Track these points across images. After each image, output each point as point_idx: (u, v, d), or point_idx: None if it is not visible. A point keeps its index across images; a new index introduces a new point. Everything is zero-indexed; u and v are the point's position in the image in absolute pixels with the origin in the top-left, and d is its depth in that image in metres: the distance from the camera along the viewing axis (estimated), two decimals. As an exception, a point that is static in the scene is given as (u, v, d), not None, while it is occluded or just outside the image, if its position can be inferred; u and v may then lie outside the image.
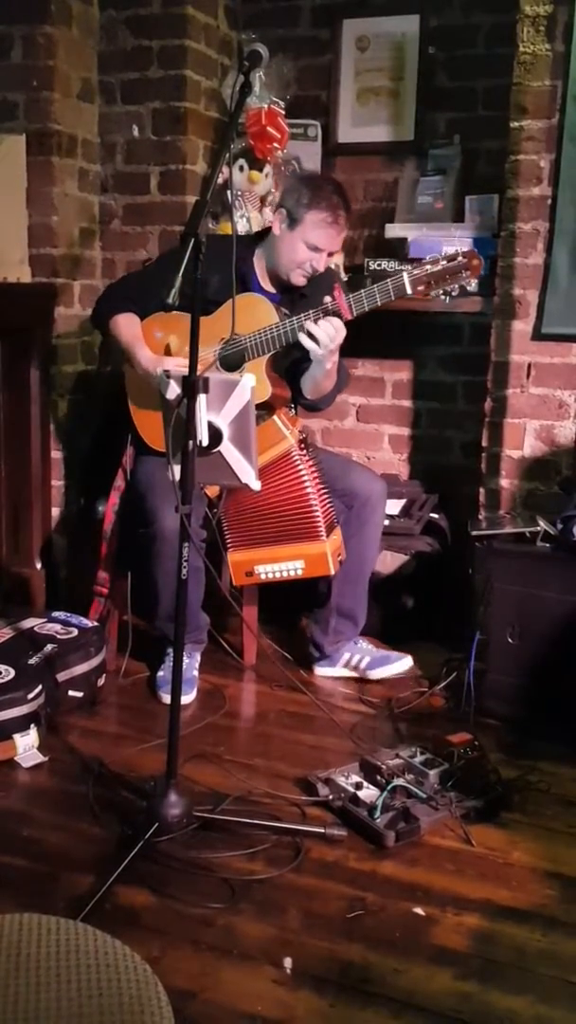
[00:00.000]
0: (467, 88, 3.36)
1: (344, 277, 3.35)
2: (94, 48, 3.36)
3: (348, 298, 2.53)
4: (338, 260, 3.37)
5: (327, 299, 2.54)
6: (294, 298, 2.75)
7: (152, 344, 2.69)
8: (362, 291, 2.53)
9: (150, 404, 2.72)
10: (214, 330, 2.52)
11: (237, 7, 3.57)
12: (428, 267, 2.49)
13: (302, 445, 2.66)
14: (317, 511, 2.64)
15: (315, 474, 2.67)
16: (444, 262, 2.48)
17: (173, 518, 2.47)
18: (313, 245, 2.65)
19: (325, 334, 2.51)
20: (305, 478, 2.64)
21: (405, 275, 2.49)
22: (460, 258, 2.48)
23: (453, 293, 2.52)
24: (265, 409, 2.59)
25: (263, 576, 2.72)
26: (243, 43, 3.51)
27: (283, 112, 3.24)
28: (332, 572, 2.70)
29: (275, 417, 2.63)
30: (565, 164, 2.79)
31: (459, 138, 3.33)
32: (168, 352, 2.69)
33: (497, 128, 3.03)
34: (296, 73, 3.50)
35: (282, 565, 2.70)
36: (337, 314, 2.53)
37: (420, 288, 2.49)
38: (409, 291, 2.49)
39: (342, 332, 2.54)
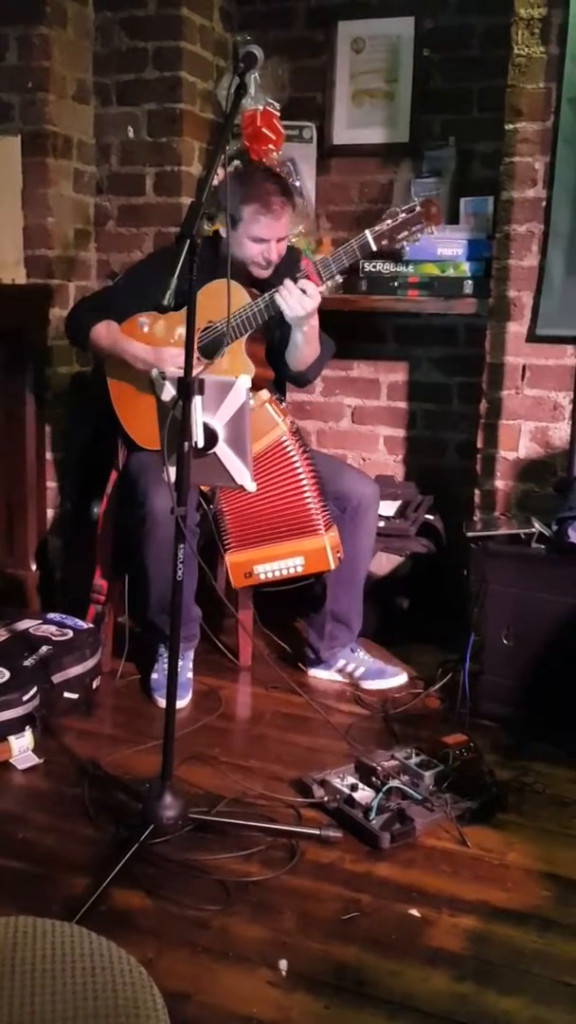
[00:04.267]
0: (462, 90, 3.36)
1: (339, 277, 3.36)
2: (89, 49, 3.36)
3: (316, 265, 2.59)
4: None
5: (301, 267, 2.59)
6: (262, 284, 2.77)
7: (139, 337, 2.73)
8: (328, 256, 2.60)
9: (136, 404, 2.75)
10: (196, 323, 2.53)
11: (232, 9, 3.57)
12: (388, 222, 2.55)
13: (295, 435, 2.65)
14: (313, 503, 2.64)
15: (309, 465, 2.65)
16: (403, 215, 2.55)
17: (163, 498, 2.49)
18: (257, 237, 2.68)
19: (295, 298, 2.56)
20: (299, 468, 2.63)
21: (368, 233, 2.55)
22: (418, 208, 2.54)
23: (417, 243, 2.62)
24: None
25: (262, 576, 2.70)
26: (238, 45, 3.51)
27: (278, 114, 3.24)
28: (332, 566, 2.68)
29: (266, 405, 2.62)
30: (560, 166, 2.80)
31: (454, 140, 3.34)
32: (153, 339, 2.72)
33: (492, 130, 3.04)
34: (291, 75, 3.51)
35: (281, 563, 2.68)
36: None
37: (384, 243, 2.56)
38: (374, 247, 2.56)
39: (315, 296, 2.59)
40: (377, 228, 2.55)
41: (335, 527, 2.74)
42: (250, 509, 2.68)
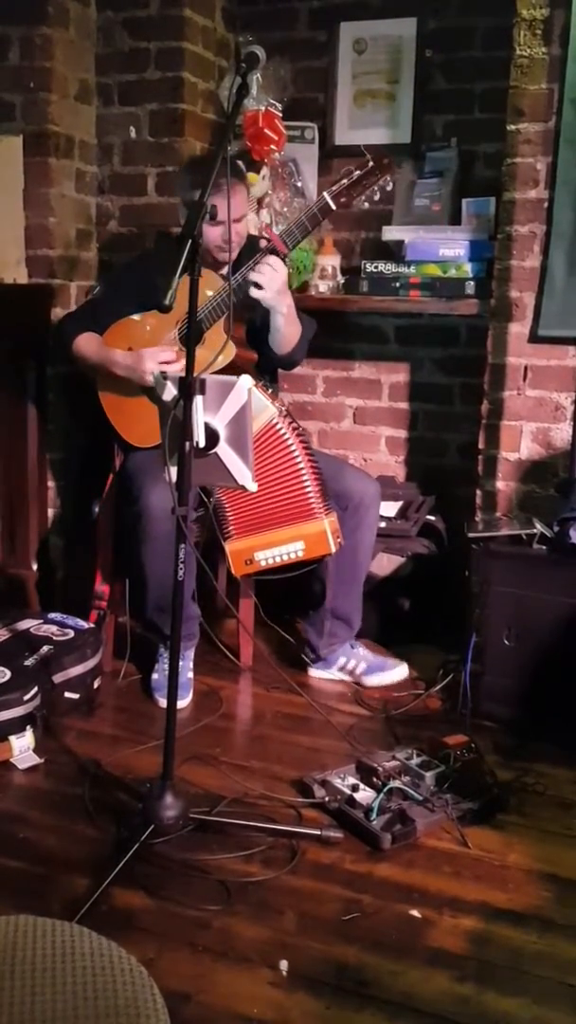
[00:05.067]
0: (464, 91, 3.36)
1: (340, 278, 3.35)
2: (91, 49, 3.36)
3: (280, 234, 2.62)
4: (335, 262, 3.38)
5: (262, 241, 2.62)
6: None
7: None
8: (292, 223, 2.64)
9: (126, 406, 2.79)
10: (171, 316, 2.54)
11: (234, 9, 3.57)
12: (344, 181, 2.58)
13: (286, 418, 2.64)
14: (311, 486, 2.62)
15: (304, 447, 2.63)
16: (358, 172, 2.57)
17: (159, 494, 2.49)
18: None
19: (267, 277, 2.59)
20: (294, 449, 2.61)
21: (326, 194, 2.58)
22: (371, 163, 2.56)
23: (376, 197, 2.63)
24: (233, 371, 2.60)
25: (263, 562, 2.67)
26: (240, 45, 3.51)
27: (280, 114, 3.24)
28: (332, 550, 2.66)
29: (251, 389, 2.62)
30: (562, 167, 2.80)
31: (456, 141, 3.34)
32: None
33: (494, 131, 3.04)
34: (293, 75, 3.50)
35: (281, 549, 2.65)
36: (274, 251, 2.61)
37: (343, 200, 2.58)
38: (333, 207, 2.58)
39: (282, 269, 2.62)
40: (334, 188, 2.57)
41: (335, 512, 2.73)
42: (248, 496, 2.66)
